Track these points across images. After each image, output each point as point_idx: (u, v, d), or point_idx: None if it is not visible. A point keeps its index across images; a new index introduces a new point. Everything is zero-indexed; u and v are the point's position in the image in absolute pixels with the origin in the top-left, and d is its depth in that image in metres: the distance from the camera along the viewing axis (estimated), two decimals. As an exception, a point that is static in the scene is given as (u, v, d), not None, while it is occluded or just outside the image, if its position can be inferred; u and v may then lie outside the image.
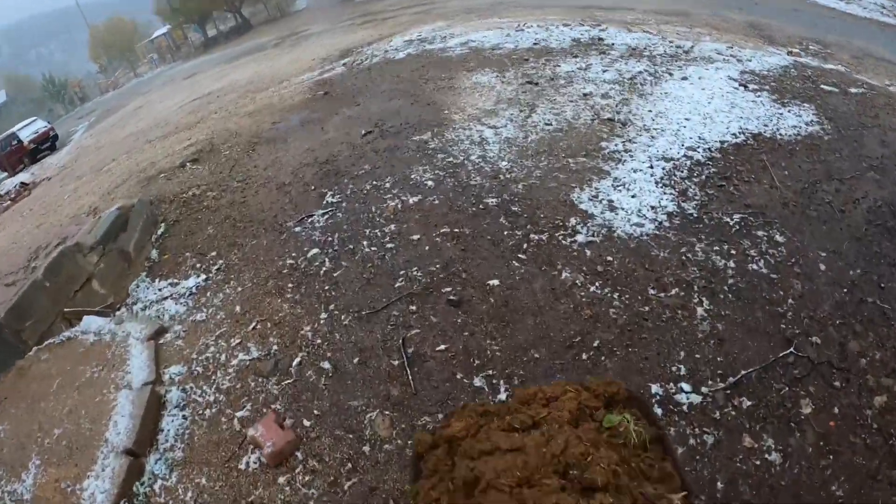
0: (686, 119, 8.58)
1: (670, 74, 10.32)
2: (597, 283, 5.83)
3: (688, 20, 16.45)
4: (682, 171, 7.39)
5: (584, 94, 9.75)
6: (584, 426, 3.50)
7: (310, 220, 7.68)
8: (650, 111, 8.97)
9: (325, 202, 7.96)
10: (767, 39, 14.74)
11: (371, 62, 14.64)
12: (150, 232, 8.83)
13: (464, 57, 12.90)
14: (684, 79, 10.06)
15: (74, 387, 6.06)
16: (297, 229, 7.61)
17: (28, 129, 28.87)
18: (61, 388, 6.11)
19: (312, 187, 8.45)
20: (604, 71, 10.69)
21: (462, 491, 3.28)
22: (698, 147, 7.85)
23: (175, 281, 7.45)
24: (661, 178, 7.28)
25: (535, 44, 13.01)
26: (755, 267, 5.85)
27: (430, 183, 7.71)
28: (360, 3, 38.56)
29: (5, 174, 28.89)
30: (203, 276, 7.34)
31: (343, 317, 6.01)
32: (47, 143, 28.57)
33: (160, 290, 7.37)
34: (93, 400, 5.82)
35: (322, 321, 6.02)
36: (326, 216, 7.63)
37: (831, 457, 4.41)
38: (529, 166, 7.75)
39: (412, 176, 7.95)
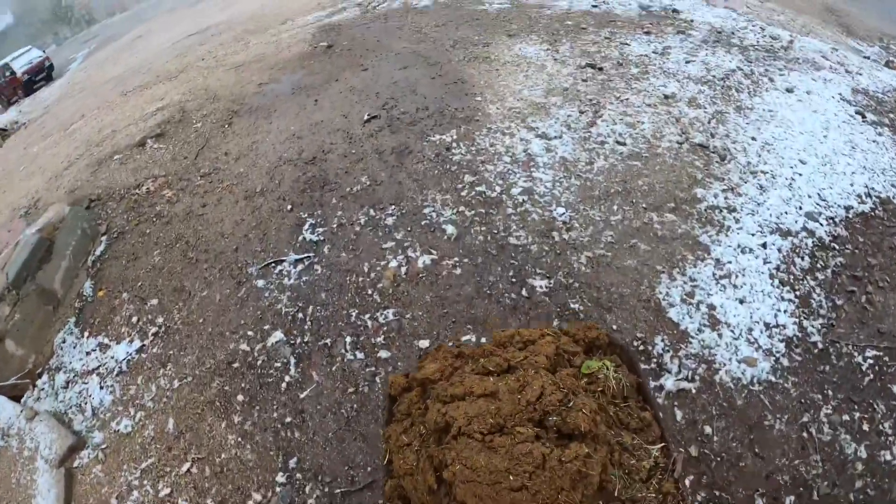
0: (801, 161, 6.00)
1: (771, 81, 7.49)
2: (688, 478, 3.55)
3: (757, -9, 13.38)
4: (802, 258, 4.95)
5: (666, 97, 6.96)
6: (561, 372, 3.35)
7: (278, 270, 5.28)
8: (754, 139, 6.27)
9: (301, 238, 5.51)
10: (846, 29, 11.96)
11: (390, 6, 11.75)
12: (87, 251, 6.72)
13: (504, 14, 9.93)
14: (789, 91, 7.27)
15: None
16: (260, 283, 5.25)
17: (22, 60, 26.56)
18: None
19: (289, 206, 5.99)
20: (687, 62, 7.84)
21: (434, 436, 3.18)
22: (820, 214, 5.37)
23: (105, 342, 5.49)
24: (778, 269, 4.85)
25: (593, 5, 9.99)
26: (887, 457, 3.81)
27: (450, 230, 5.15)
28: None
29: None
30: (137, 343, 5.32)
31: (308, 489, 3.75)
32: (42, 74, 26.37)
33: (88, 353, 5.49)
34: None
35: (278, 489, 3.80)
36: (300, 268, 5.20)
37: None
38: (597, 220, 5.16)
39: (426, 210, 5.39)
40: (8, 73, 25.95)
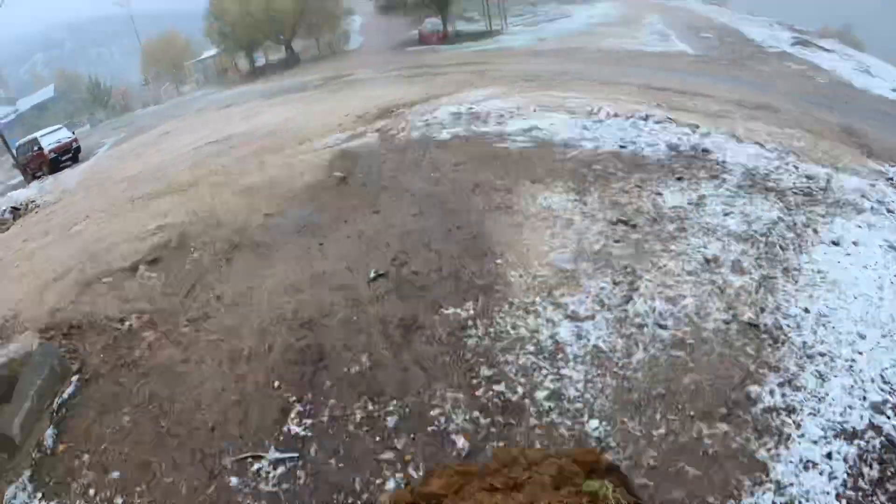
0: (859, 335, 5.22)
1: (815, 232, 6.82)
2: None
3: (776, 117, 12.96)
4: (871, 466, 4.08)
5: (707, 261, 6.23)
6: (563, 491, 3.40)
7: (256, 469, 4.38)
8: (807, 310, 5.49)
9: (286, 430, 4.64)
10: (867, 151, 11.40)
11: (409, 136, 11.34)
12: (54, 391, 5.95)
13: (527, 155, 9.36)
14: (836, 244, 6.61)
15: None
16: (234, 482, 4.32)
17: (50, 138, 26.77)
18: None
19: (276, 382, 5.11)
20: (725, 213, 7.17)
21: (443, 547, 3.04)
22: (885, 403, 4.55)
23: (58, 513, 4.59)
24: (845, 486, 3.97)
25: (621, 146, 9.46)
26: None
27: (461, 443, 4.22)
28: (414, 52, 34.89)
29: (23, 179, 27.20)
30: (90, 528, 4.36)
31: None
32: (69, 155, 26.48)
33: (38, 521, 4.59)
34: None
35: None
36: (281, 471, 4.30)
37: None
38: (637, 436, 4.26)
39: (434, 411, 4.48)
40: (36, 148, 26.11)
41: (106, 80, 61.93)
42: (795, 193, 7.86)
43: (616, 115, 11.20)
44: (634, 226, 6.96)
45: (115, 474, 4.78)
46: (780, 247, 6.60)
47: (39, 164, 26.10)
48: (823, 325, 5.40)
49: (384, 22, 43.42)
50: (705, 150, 9.36)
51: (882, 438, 4.26)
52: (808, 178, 8.47)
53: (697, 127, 10.65)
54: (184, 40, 64.44)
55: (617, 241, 6.61)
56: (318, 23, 43.81)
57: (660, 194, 7.73)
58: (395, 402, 4.67)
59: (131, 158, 19.99)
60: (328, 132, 13.52)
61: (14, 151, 28.46)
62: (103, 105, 56.89)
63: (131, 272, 7.90)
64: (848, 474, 4.01)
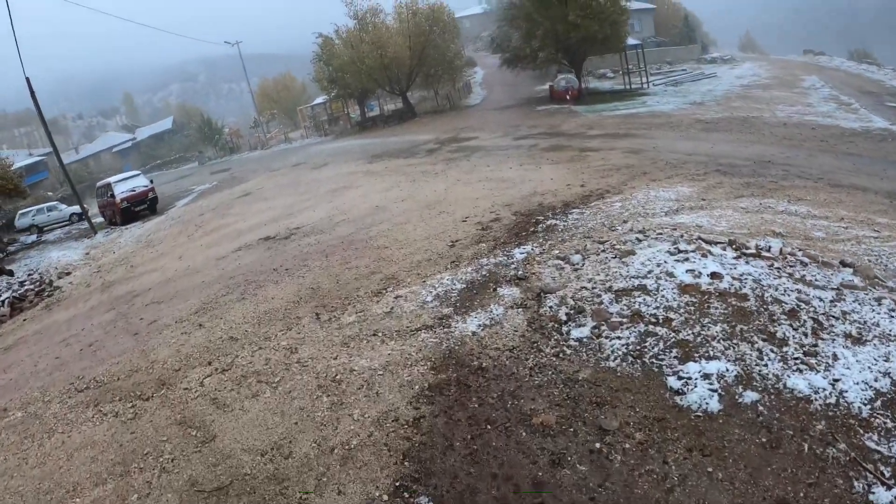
0: None
1: None
2: None
3: None
4: None
5: None
6: None
7: None
8: None
9: None
10: None
11: (600, 348, 4.59)
12: None
13: None
14: None
15: None
16: None
17: (124, 185, 23.00)
18: None
19: None
20: None
21: None
22: None
23: None
24: None
25: None
26: None
27: None
28: (545, 113, 26.93)
29: (100, 223, 23.97)
30: None
31: None
32: (143, 206, 22.67)
33: None
34: None
35: None
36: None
37: None
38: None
39: None
40: (110, 194, 22.88)
41: (220, 118, 60.11)
42: None
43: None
44: None
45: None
46: None
47: (113, 213, 22.60)
48: None
49: (509, 76, 37.15)
50: None
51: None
52: None
53: None
54: (299, 84, 61.52)
55: None
56: (437, 73, 38.29)
57: None
58: None
59: (181, 239, 14.92)
60: (430, 261, 7.40)
61: (79, 196, 25.30)
62: (213, 143, 54.66)
63: None
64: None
